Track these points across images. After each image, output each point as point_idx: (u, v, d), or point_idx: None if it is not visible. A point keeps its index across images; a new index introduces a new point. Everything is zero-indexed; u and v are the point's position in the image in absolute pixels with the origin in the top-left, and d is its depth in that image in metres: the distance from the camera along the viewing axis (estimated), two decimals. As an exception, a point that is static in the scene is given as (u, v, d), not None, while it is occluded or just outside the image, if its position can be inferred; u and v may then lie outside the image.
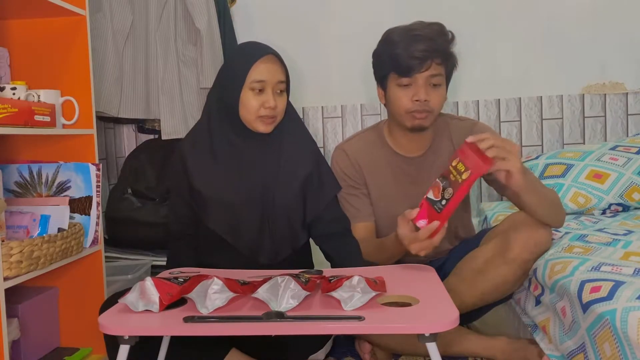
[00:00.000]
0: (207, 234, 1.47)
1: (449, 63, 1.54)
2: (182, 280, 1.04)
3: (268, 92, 1.41)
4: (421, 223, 1.33)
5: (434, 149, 1.63)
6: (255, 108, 1.41)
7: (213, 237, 1.46)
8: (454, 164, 1.36)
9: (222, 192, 1.44)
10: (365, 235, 1.59)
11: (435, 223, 1.29)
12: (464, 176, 1.31)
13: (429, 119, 1.54)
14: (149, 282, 1.00)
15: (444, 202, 1.30)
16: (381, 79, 1.60)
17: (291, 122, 1.53)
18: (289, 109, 1.51)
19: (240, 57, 1.46)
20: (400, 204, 1.62)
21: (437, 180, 1.38)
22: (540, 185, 1.48)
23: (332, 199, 1.54)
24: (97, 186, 1.58)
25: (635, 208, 1.94)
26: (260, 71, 1.40)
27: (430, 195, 1.35)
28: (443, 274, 1.47)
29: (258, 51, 1.43)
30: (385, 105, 1.64)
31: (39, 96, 1.51)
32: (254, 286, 1.03)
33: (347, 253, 1.47)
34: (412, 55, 1.47)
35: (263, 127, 1.43)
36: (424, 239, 1.30)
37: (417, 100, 1.50)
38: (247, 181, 1.45)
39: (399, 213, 1.61)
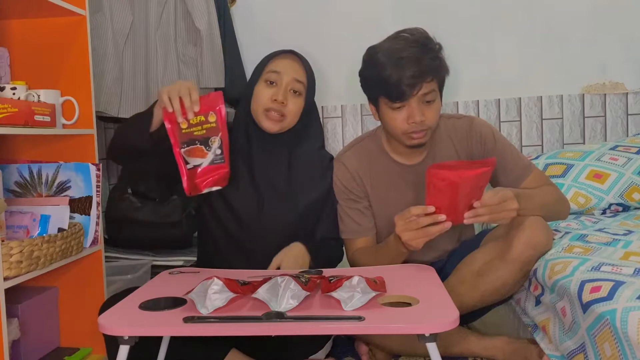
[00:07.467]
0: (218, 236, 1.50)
1: (440, 76, 1.50)
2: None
3: (281, 85, 1.41)
4: None
5: (433, 154, 1.61)
6: (264, 100, 1.40)
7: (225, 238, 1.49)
8: None
9: (231, 199, 1.47)
10: (364, 246, 1.60)
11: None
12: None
13: (426, 137, 1.52)
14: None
15: None
16: (372, 99, 1.57)
17: (309, 137, 1.53)
18: (311, 119, 1.51)
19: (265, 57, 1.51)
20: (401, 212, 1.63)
21: None
22: (539, 197, 1.49)
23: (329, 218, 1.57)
24: (97, 186, 1.58)
25: (636, 208, 1.93)
26: (277, 63, 1.44)
27: None
28: (443, 275, 1.47)
29: (281, 49, 1.49)
30: (379, 120, 1.60)
31: (39, 96, 1.51)
32: (253, 286, 1.03)
33: (327, 258, 1.49)
34: (401, 82, 1.42)
35: (268, 123, 1.42)
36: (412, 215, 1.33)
37: (412, 122, 1.47)
38: (255, 192, 1.47)
39: None
